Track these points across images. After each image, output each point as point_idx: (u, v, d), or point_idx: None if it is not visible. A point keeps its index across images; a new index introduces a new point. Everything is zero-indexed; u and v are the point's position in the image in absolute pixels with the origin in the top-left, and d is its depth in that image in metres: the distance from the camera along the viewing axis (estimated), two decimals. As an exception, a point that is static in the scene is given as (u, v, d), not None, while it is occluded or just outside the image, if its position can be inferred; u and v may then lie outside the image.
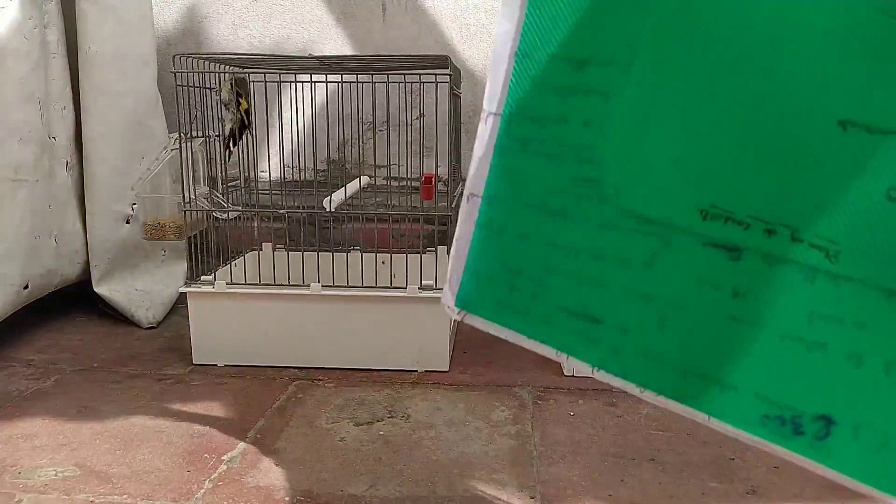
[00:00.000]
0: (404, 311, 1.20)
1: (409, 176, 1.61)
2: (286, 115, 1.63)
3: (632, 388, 0.49)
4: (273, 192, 1.55)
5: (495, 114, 0.51)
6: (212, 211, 1.26)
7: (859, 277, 0.36)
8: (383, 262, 1.45)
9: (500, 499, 0.83)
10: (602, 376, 0.51)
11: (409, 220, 1.72)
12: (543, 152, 0.49)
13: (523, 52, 0.49)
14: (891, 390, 0.37)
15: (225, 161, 1.28)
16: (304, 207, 1.32)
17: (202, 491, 0.84)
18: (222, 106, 1.26)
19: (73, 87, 1.45)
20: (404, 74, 1.25)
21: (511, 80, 0.50)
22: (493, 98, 0.51)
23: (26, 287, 1.33)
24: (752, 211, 0.40)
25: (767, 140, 0.39)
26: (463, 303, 0.56)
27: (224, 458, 0.92)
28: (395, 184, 1.79)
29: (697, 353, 0.44)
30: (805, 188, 0.37)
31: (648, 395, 0.48)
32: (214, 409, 1.07)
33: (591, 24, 0.46)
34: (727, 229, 0.41)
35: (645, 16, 0.43)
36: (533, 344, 0.54)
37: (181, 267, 1.62)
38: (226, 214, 1.29)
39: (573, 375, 1.20)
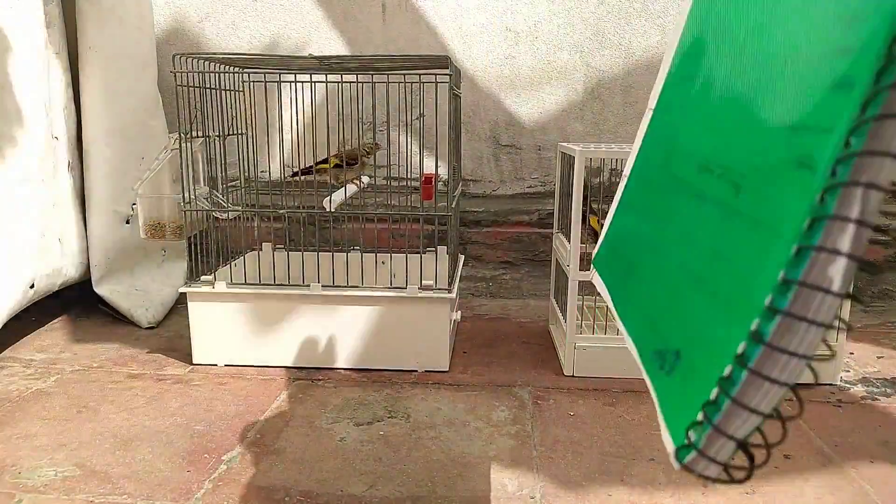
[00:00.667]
0: (404, 311, 1.20)
1: (409, 176, 1.61)
2: (286, 115, 1.63)
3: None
4: (273, 192, 1.55)
5: (649, 108, 0.60)
6: (212, 211, 1.26)
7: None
8: (383, 262, 1.45)
9: (500, 499, 0.83)
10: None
11: (409, 220, 1.72)
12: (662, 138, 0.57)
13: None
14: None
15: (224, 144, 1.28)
16: (304, 207, 1.32)
17: (202, 491, 0.84)
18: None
19: (73, 87, 1.46)
20: (404, 74, 1.25)
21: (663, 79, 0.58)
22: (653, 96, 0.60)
23: (32, 286, 1.33)
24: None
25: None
26: (596, 262, 0.66)
27: (224, 458, 0.92)
28: (395, 184, 1.79)
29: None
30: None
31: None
32: (214, 409, 1.07)
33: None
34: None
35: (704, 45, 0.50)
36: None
37: (181, 267, 1.62)
38: (226, 214, 1.29)
39: (573, 376, 1.20)
